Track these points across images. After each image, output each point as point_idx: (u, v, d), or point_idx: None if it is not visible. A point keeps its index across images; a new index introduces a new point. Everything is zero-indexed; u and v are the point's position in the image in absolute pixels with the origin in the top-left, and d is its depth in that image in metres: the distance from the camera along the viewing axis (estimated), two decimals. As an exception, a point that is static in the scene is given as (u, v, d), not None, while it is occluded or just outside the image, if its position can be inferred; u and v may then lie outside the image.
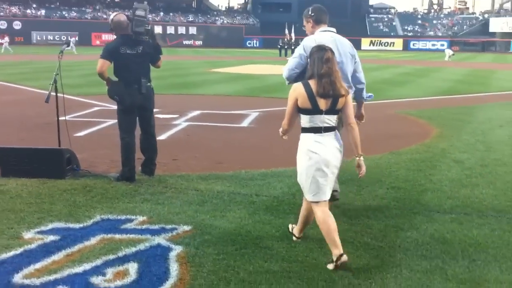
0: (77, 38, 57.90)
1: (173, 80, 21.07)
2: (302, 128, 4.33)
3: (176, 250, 4.42)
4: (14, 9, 70.11)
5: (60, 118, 10.76)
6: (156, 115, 10.08)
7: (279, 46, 52.31)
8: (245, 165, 7.31)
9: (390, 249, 4.51)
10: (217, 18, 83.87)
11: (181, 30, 77.87)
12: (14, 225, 4.91)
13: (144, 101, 6.42)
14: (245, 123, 11.08)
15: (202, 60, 38.90)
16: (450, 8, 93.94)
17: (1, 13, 68.52)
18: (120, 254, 4.34)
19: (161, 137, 9.34)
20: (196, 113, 12.14)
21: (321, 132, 4.26)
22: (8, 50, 46.66)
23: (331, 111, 4.25)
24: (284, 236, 4.72)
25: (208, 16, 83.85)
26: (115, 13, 6.53)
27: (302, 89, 4.23)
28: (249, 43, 79.97)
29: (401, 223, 5.12)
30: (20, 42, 66.11)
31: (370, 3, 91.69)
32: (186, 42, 76.86)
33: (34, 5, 71.96)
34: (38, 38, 68.59)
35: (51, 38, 69.15)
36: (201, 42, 77.70)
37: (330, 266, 4.15)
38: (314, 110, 4.22)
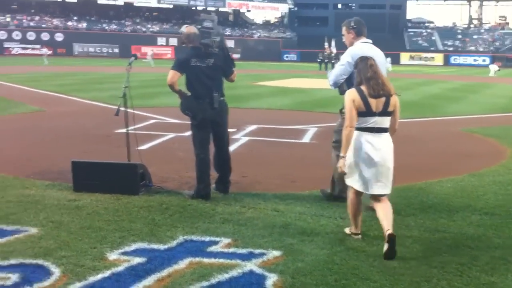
0: (152, 52, 57.62)
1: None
2: (357, 127, 4.76)
3: (271, 278, 4.12)
4: (56, 21, 71.58)
5: (122, 131, 10.66)
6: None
7: (319, 60, 51.96)
8: (319, 184, 6.96)
9: (504, 285, 4.12)
10: (254, 31, 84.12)
11: (219, 43, 78.26)
12: (96, 245, 4.69)
13: (216, 116, 6.18)
14: (306, 139, 10.77)
15: (243, 73, 38.77)
16: (489, 23, 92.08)
17: (44, 25, 70.03)
18: (213, 280, 4.06)
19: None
20: (253, 127, 11.88)
21: (373, 132, 4.74)
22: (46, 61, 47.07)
23: (383, 113, 4.72)
24: (384, 266, 4.37)
25: (245, 29, 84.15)
26: (186, 26, 6.34)
27: (356, 93, 4.73)
28: (286, 57, 79.91)
29: (507, 255, 4.70)
30: (62, 54, 67.42)
31: (408, 17, 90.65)
32: (223, 55, 77.16)
33: (75, 18, 73.35)
34: (80, 50, 69.85)
35: (92, 50, 70.42)
36: (238, 55, 77.95)
37: (347, 230, 5.15)
38: (367, 112, 4.70)
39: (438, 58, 77.98)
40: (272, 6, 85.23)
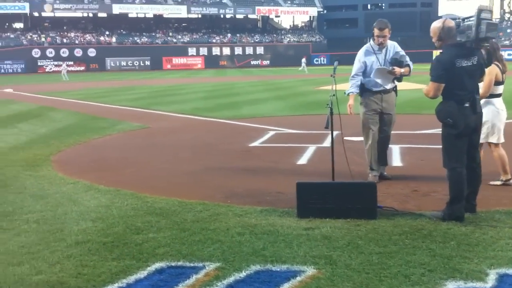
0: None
1: (299, 99, 20.17)
2: (492, 94, 6.44)
3: None
4: (89, 37, 71.68)
5: (256, 145, 9.87)
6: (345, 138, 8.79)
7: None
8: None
9: None
10: (283, 37, 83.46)
11: (249, 50, 77.89)
12: (407, 286, 3.87)
13: (478, 121, 5.36)
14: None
15: (290, 78, 37.98)
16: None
17: (77, 41, 70.18)
18: None
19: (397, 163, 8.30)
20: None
21: (500, 97, 6.62)
22: (65, 77, 44.76)
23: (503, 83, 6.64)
24: None
25: (275, 35, 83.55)
26: (442, 19, 5.50)
27: (497, 69, 6.40)
28: (316, 61, 79.05)
29: None
30: (95, 69, 67.46)
31: (439, 14, 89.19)
32: (254, 62, 76.69)
33: (107, 32, 73.40)
34: (112, 64, 69.86)
35: (124, 64, 70.34)
36: (268, 61, 77.35)
37: (496, 183, 6.67)
38: (502, 82, 6.53)
39: (472, 54, 76.36)
40: (301, 10, 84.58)
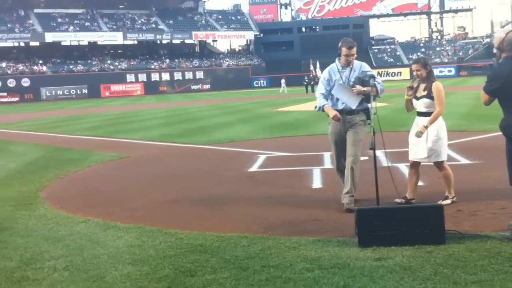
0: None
1: (265, 121, 19.85)
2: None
3: None
4: (22, 67, 69.08)
5: (254, 170, 9.39)
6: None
7: (305, 83, 51.64)
8: None
9: None
10: (221, 60, 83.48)
11: (188, 75, 77.42)
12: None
13: None
14: (463, 160, 9.68)
15: (241, 101, 37.72)
16: (449, 34, 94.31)
17: (9, 71, 67.49)
18: None
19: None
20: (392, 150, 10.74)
21: None
22: None
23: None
24: None
25: (213, 59, 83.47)
26: (506, 30, 5.25)
27: None
28: (256, 83, 79.61)
29: None
30: (30, 99, 65.01)
31: (371, 35, 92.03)
32: (194, 86, 76.21)
33: (41, 61, 70.96)
34: (48, 94, 67.63)
35: (61, 93, 68.17)
36: (209, 85, 77.10)
37: (447, 202, 6.52)
38: None
39: (405, 73, 78.89)
40: (237, 34, 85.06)
